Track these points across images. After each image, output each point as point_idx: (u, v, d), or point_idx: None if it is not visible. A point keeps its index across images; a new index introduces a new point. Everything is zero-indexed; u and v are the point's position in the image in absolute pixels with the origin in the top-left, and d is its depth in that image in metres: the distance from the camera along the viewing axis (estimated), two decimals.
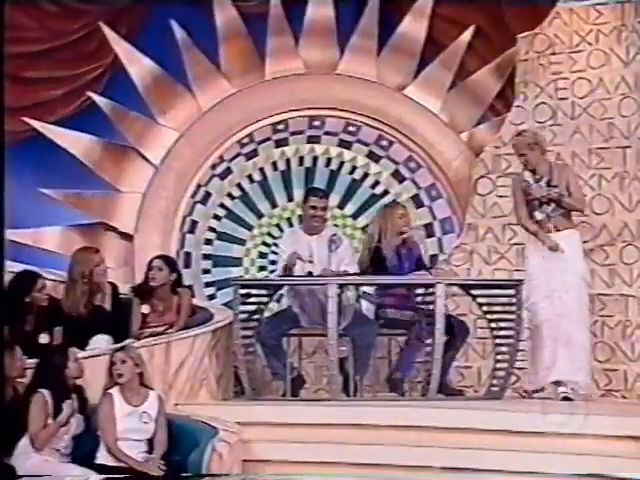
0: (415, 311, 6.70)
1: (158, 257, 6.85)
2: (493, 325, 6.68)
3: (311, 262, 6.72)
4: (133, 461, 5.59)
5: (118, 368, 5.71)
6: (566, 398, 6.41)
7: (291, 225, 8.02)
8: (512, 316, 6.57)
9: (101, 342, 6.44)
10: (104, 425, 5.64)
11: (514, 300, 6.56)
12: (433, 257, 7.95)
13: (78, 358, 5.76)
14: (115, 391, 5.71)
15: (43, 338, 6.40)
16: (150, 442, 5.69)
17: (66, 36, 7.88)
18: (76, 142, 7.95)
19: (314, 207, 6.76)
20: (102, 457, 5.64)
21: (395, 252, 6.77)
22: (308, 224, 6.77)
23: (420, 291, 6.78)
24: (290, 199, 8.13)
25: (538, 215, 6.59)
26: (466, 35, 7.85)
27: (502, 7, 7.66)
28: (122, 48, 8.00)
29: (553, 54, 7.33)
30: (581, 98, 7.28)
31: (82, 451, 5.68)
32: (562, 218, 6.57)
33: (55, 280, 6.98)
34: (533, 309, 6.54)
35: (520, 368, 6.85)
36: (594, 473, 5.42)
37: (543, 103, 7.37)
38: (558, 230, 6.56)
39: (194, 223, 8.15)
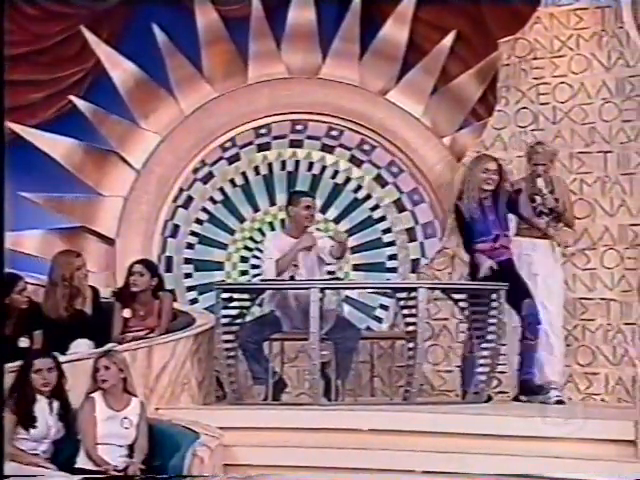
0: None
1: (139, 262, 6.83)
2: (475, 329, 6.69)
3: (296, 266, 6.71)
4: (110, 467, 5.57)
5: (102, 374, 5.70)
6: (560, 402, 6.48)
7: (273, 229, 8.03)
8: (494, 320, 6.57)
9: (82, 346, 6.42)
10: (84, 428, 5.63)
11: (495, 304, 6.57)
12: (415, 261, 7.98)
13: (47, 368, 5.72)
14: (97, 395, 5.71)
15: (23, 342, 6.38)
16: (131, 447, 5.67)
17: (47, 39, 7.87)
18: (57, 146, 7.94)
19: (308, 207, 6.75)
20: (82, 461, 5.62)
21: (479, 207, 6.58)
22: (301, 225, 6.74)
23: (402, 295, 6.79)
24: (272, 203, 8.14)
25: (537, 222, 6.74)
26: (448, 40, 7.88)
27: (483, 12, 7.69)
28: (104, 52, 7.99)
29: (534, 59, 7.35)
30: (562, 103, 7.30)
31: (63, 455, 5.66)
32: (563, 231, 6.83)
33: (35, 284, 6.96)
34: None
35: (502, 372, 6.87)
36: (574, 477, 5.43)
37: (525, 108, 7.39)
38: (559, 245, 6.80)
39: (176, 227, 8.15)
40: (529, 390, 6.44)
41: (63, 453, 5.66)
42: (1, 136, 4.66)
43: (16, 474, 5.36)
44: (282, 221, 7.97)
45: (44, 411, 5.65)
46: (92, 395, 5.69)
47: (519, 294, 6.47)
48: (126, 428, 5.67)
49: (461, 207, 6.58)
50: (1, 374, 5.11)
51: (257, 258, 7.74)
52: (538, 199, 6.68)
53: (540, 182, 6.71)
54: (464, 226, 6.60)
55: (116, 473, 5.55)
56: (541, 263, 6.70)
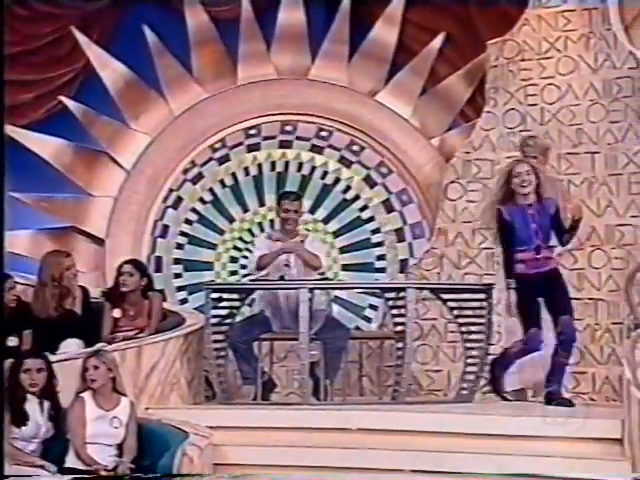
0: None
1: (128, 262, 6.84)
2: (463, 329, 6.72)
3: (287, 266, 6.72)
4: (100, 467, 5.58)
5: (91, 374, 5.71)
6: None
7: (262, 230, 8.05)
8: (482, 320, 6.60)
9: (72, 346, 6.43)
10: (74, 428, 5.64)
11: (484, 304, 6.59)
12: (404, 261, 8.00)
13: (37, 369, 5.73)
14: (87, 395, 5.71)
15: (11, 341, 6.38)
16: (120, 447, 5.68)
17: (37, 40, 7.87)
18: (47, 146, 7.95)
19: (287, 210, 6.78)
20: (72, 461, 5.63)
21: (520, 213, 6.29)
22: (283, 227, 6.78)
23: (391, 295, 6.81)
24: (262, 204, 8.16)
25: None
26: (436, 41, 7.91)
27: (472, 14, 7.72)
28: (94, 52, 8.01)
29: (522, 60, 7.37)
30: (550, 104, 7.33)
31: (52, 454, 5.65)
32: None
33: (25, 284, 6.96)
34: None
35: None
36: (561, 475, 5.46)
37: (513, 109, 7.42)
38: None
39: (165, 227, 8.15)
40: (554, 401, 6.18)
41: (52, 452, 5.65)
42: (1, 136, 4.65)
43: (16, 474, 5.37)
44: (271, 221, 7.99)
45: (34, 410, 5.65)
46: (82, 395, 5.70)
47: (558, 308, 6.25)
48: (115, 427, 5.68)
49: (502, 211, 6.28)
50: (1, 375, 5.11)
51: (246, 258, 7.75)
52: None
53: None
54: (504, 232, 6.32)
55: (105, 473, 5.56)
56: None
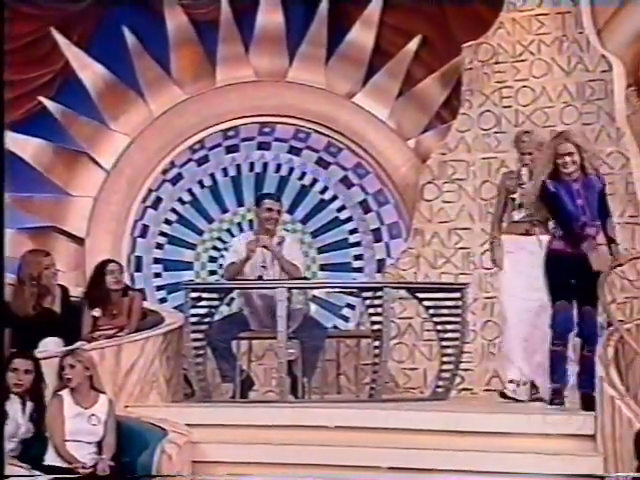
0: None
1: (111, 261, 6.88)
2: (439, 328, 6.78)
3: (264, 267, 6.77)
4: (79, 464, 5.60)
5: (67, 373, 5.73)
6: (538, 399, 6.28)
7: (241, 230, 8.09)
8: (457, 319, 6.66)
9: (51, 345, 6.44)
10: (52, 426, 5.66)
11: (459, 303, 6.65)
12: (381, 261, 8.07)
13: (24, 370, 5.74)
14: (65, 393, 5.73)
15: None
16: (99, 444, 5.71)
17: (16, 40, 7.88)
18: (26, 146, 7.95)
19: (270, 209, 6.80)
20: (51, 459, 5.65)
21: (566, 189, 5.81)
22: (263, 227, 6.82)
23: (368, 294, 6.88)
24: (240, 204, 8.19)
25: (516, 215, 6.36)
26: (412, 44, 7.94)
27: (447, 17, 7.78)
28: (73, 54, 8.02)
29: (497, 63, 7.42)
30: (524, 106, 7.39)
31: (31, 453, 5.68)
32: (539, 223, 6.23)
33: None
34: (504, 304, 6.41)
35: (465, 369, 6.98)
36: (535, 472, 5.51)
37: (488, 111, 7.47)
38: (531, 234, 6.29)
39: (145, 227, 8.17)
40: (592, 404, 5.61)
41: (31, 451, 5.67)
42: (1, 136, 4.68)
43: (16, 474, 5.40)
44: (250, 222, 8.03)
45: (15, 410, 5.67)
46: (60, 393, 5.72)
47: (584, 296, 5.75)
48: (94, 425, 5.71)
49: (547, 183, 5.80)
50: (1, 375, 5.14)
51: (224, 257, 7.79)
52: (519, 190, 6.33)
53: (524, 172, 6.37)
54: (552, 203, 5.83)
55: (85, 470, 5.58)
56: (525, 261, 6.29)
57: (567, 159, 5.79)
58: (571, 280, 5.78)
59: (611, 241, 5.87)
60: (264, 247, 6.69)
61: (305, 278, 7.54)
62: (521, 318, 6.29)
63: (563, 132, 6.06)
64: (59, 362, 5.78)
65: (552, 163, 5.82)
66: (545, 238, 6.07)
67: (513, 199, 6.34)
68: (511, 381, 6.37)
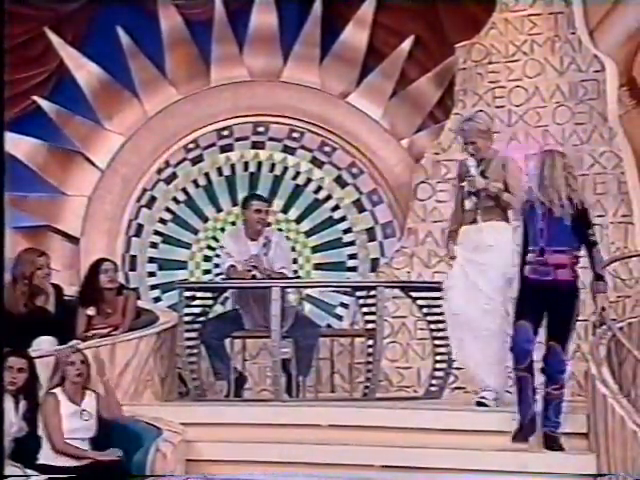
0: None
1: (105, 260, 6.89)
2: (432, 327, 6.80)
3: (255, 267, 6.77)
4: (91, 453, 5.61)
5: (79, 368, 5.75)
6: (480, 404, 6.05)
7: None
8: None
9: (44, 343, 6.44)
10: (51, 424, 5.67)
11: None
12: (375, 260, 8.09)
13: (18, 368, 5.76)
14: (59, 391, 5.74)
15: None
16: (92, 441, 5.71)
17: (10, 40, 7.87)
18: (21, 146, 7.96)
19: (258, 210, 6.82)
20: (44, 457, 5.66)
21: (533, 208, 5.53)
22: (253, 228, 6.83)
23: (362, 293, 6.90)
24: (235, 204, 8.19)
25: (467, 204, 6.12)
26: (406, 44, 7.95)
27: (441, 17, 7.80)
28: (67, 53, 8.03)
29: (490, 63, 7.44)
30: (517, 106, 7.40)
31: (24, 452, 5.68)
32: (493, 210, 6.06)
33: None
34: (448, 297, 6.16)
35: (458, 368, 6.99)
36: (528, 470, 5.51)
37: (481, 111, 7.46)
38: (485, 221, 6.06)
39: (140, 227, 8.18)
40: (554, 444, 5.43)
41: (24, 450, 5.65)
42: (1, 137, 4.70)
43: (16, 474, 5.40)
44: (245, 221, 8.04)
45: (8, 409, 5.62)
46: (54, 391, 5.72)
47: (551, 330, 5.43)
48: (86, 420, 5.73)
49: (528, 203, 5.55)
50: (0, 375, 5.14)
51: (220, 257, 7.81)
52: (467, 180, 6.07)
53: (470, 162, 6.07)
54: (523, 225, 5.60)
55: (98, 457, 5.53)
56: (469, 249, 6.07)
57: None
58: (541, 308, 5.44)
59: (598, 277, 5.50)
60: (254, 267, 6.66)
61: (299, 277, 7.58)
62: (468, 310, 6.04)
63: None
64: (66, 359, 5.76)
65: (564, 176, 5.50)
66: (487, 225, 5.99)
67: (463, 188, 6.14)
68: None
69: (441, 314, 6.67)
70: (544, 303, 5.43)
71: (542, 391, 5.52)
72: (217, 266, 7.76)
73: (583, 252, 5.52)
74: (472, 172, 6.04)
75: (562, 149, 7.12)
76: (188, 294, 6.70)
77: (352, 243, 8.14)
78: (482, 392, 6.11)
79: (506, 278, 5.99)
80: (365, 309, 6.83)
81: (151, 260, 8.17)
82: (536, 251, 5.43)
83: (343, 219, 8.16)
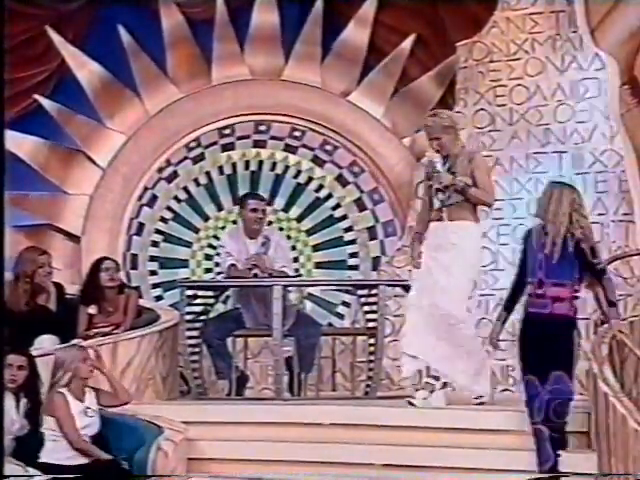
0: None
1: (106, 258, 6.89)
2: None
3: (256, 265, 6.77)
4: (99, 453, 5.62)
5: (91, 365, 5.76)
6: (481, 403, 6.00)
7: None
8: None
9: (46, 342, 6.45)
10: (65, 423, 5.64)
11: None
12: (376, 259, 8.08)
13: (17, 366, 5.76)
14: (65, 390, 5.73)
15: None
16: (94, 438, 5.71)
17: (11, 38, 7.88)
18: (23, 144, 7.95)
19: (255, 210, 6.81)
20: (46, 456, 5.66)
21: (537, 238, 5.38)
22: (250, 227, 6.82)
23: (363, 292, 6.90)
24: (236, 202, 8.17)
25: (435, 202, 5.97)
26: (407, 43, 7.95)
27: (442, 16, 7.80)
28: (69, 52, 8.03)
29: (491, 62, 7.45)
30: (519, 104, 7.40)
31: (26, 451, 5.66)
32: (460, 209, 5.92)
33: None
34: (410, 295, 6.03)
35: None
36: (529, 469, 5.48)
37: (482, 109, 7.48)
38: (452, 220, 5.93)
39: (141, 225, 8.17)
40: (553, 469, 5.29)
41: (25, 448, 5.64)
42: (1, 137, 4.70)
43: (16, 474, 5.40)
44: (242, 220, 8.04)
45: (9, 407, 5.63)
46: (61, 391, 5.70)
47: (552, 362, 5.27)
48: (91, 417, 5.73)
49: (531, 231, 5.39)
50: (1, 374, 5.14)
51: (220, 256, 7.81)
52: (434, 177, 5.95)
53: (436, 158, 5.99)
54: (521, 255, 5.45)
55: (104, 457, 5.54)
56: (431, 246, 5.97)
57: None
58: (542, 344, 5.31)
59: (611, 304, 5.43)
60: (255, 266, 6.63)
61: (300, 276, 7.57)
62: (421, 305, 5.91)
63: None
64: (82, 355, 5.75)
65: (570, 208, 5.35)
66: (452, 223, 5.86)
67: (430, 186, 6.04)
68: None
69: None
70: (543, 338, 5.32)
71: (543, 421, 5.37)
72: (218, 265, 7.76)
73: (583, 286, 5.44)
74: (438, 168, 5.95)
75: (564, 147, 7.21)
76: (189, 293, 6.70)
77: (353, 242, 8.14)
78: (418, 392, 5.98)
79: (469, 279, 5.93)
80: (366, 308, 6.83)
81: (152, 259, 8.16)
82: (534, 283, 5.34)
83: (344, 218, 8.16)
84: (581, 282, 5.41)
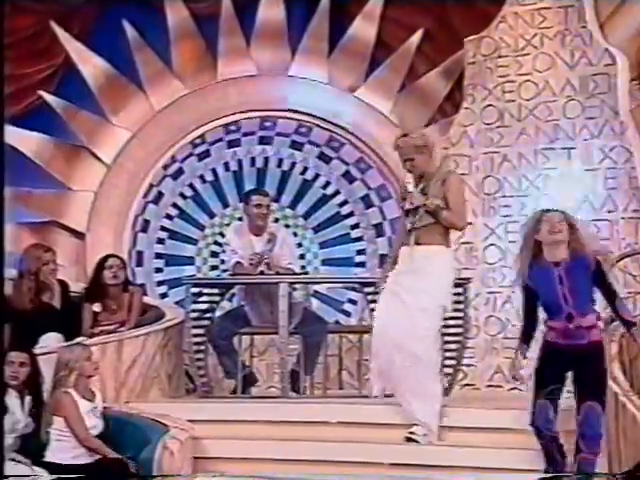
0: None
1: (112, 256, 6.85)
2: (441, 323, 6.73)
3: (262, 263, 6.73)
4: (107, 450, 5.60)
5: (95, 362, 5.75)
6: (409, 439, 5.73)
7: None
8: (460, 314, 6.58)
9: (51, 340, 6.41)
10: (74, 422, 5.61)
11: (462, 298, 6.57)
12: (383, 256, 8.05)
13: (19, 362, 5.73)
14: (72, 390, 5.71)
15: None
16: (99, 438, 5.69)
17: (16, 33, 7.85)
18: (27, 141, 7.92)
19: (259, 205, 6.76)
20: (51, 455, 5.63)
21: (546, 275, 5.18)
22: (254, 224, 6.77)
23: (370, 289, 6.83)
24: (242, 199, 8.17)
25: (408, 224, 5.76)
26: (415, 38, 7.92)
27: (450, 11, 7.76)
28: (74, 47, 8.00)
29: (500, 57, 7.41)
30: (527, 100, 7.36)
31: (31, 449, 5.63)
32: (431, 232, 5.73)
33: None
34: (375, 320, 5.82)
35: (468, 365, 6.94)
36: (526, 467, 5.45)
37: (491, 105, 7.44)
38: (419, 244, 5.72)
39: (146, 222, 8.16)
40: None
41: (30, 447, 5.61)
42: (1, 136, 4.66)
43: (16, 474, 5.37)
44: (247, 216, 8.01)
45: (13, 405, 5.62)
46: (68, 390, 5.68)
47: (585, 390, 5.12)
48: (97, 417, 5.72)
49: (525, 275, 5.17)
50: (1, 374, 5.10)
51: (225, 253, 7.77)
52: (410, 198, 5.73)
53: (409, 178, 5.77)
54: (526, 298, 5.25)
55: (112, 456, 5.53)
56: (413, 272, 5.72)
57: (556, 228, 5.15)
58: (566, 373, 5.20)
59: (631, 325, 5.24)
60: (261, 263, 6.58)
61: (307, 273, 7.53)
62: (396, 335, 5.69)
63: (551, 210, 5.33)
64: (84, 354, 5.73)
65: (534, 237, 5.16)
66: (423, 247, 5.66)
67: (402, 207, 5.81)
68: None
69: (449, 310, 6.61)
70: (571, 366, 5.18)
71: (576, 456, 5.20)
72: (223, 262, 7.72)
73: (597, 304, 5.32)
74: (410, 188, 5.76)
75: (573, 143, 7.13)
76: (195, 290, 6.65)
77: (360, 239, 8.12)
78: (413, 427, 5.77)
79: (439, 306, 5.75)
80: (373, 305, 6.76)
81: (158, 256, 8.15)
82: (562, 318, 5.17)
83: (351, 215, 8.13)
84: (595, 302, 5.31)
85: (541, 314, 5.29)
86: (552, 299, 5.18)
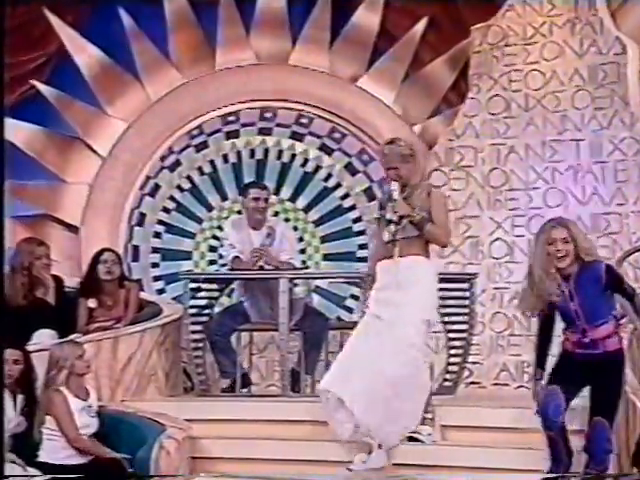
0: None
1: (107, 250, 6.76)
2: (446, 319, 6.63)
3: (261, 257, 6.61)
4: (102, 450, 5.54)
5: (87, 360, 5.69)
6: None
7: None
8: (465, 310, 6.52)
9: (45, 336, 6.33)
10: (64, 421, 5.56)
11: (467, 294, 6.50)
12: None
13: (13, 360, 5.65)
14: (64, 388, 5.63)
15: None
16: (94, 437, 5.61)
17: (8, 21, 7.69)
18: (19, 132, 7.82)
19: (256, 199, 6.66)
20: (44, 455, 5.55)
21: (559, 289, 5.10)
22: (252, 217, 6.67)
23: None
24: (241, 192, 8.05)
25: (386, 235, 5.52)
26: (419, 27, 7.84)
27: None
28: (68, 36, 7.92)
29: (507, 46, 7.34)
30: (535, 90, 7.30)
31: (23, 449, 5.54)
32: (412, 244, 5.53)
33: None
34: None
35: (474, 362, 6.82)
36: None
37: (497, 95, 7.40)
38: (402, 256, 5.51)
39: (142, 216, 8.08)
40: None
41: (23, 446, 5.53)
42: (1, 135, 4.57)
43: (16, 474, 5.31)
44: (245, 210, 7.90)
45: (6, 404, 5.51)
46: (60, 388, 5.61)
47: (596, 404, 5.06)
48: (92, 417, 5.65)
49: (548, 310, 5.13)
50: (1, 374, 5.01)
51: (223, 247, 7.67)
52: (388, 206, 5.53)
53: (393, 186, 5.55)
54: (543, 318, 5.20)
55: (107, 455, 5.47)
56: (395, 286, 5.49)
57: (560, 247, 5.06)
58: (582, 381, 5.12)
59: None
60: (260, 257, 6.44)
61: (307, 268, 7.44)
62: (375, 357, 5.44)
63: (554, 218, 5.30)
64: (77, 351, 5.66)
65: (545, 254, 5.07)
66: (406, 259, 5.45)
67: (383, 216, 5.57)
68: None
69: (454, 306, 6.50)
70: (588, 376, 5.10)
71: (583, 471, 5.11)
72: (222, 257, 7.61)
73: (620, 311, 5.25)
74: (395, 196, 5.52)
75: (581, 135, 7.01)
76: (193, 285, 6.57)
77: (362, 232, 8.02)
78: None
79: (424, 319, 5.51)
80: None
81: (154, 250, 8.07)
82: (577, 333, 5.14)
83: (353, 208, 8.04)
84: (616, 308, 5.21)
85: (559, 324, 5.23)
86: (565, 313, 5.16)
